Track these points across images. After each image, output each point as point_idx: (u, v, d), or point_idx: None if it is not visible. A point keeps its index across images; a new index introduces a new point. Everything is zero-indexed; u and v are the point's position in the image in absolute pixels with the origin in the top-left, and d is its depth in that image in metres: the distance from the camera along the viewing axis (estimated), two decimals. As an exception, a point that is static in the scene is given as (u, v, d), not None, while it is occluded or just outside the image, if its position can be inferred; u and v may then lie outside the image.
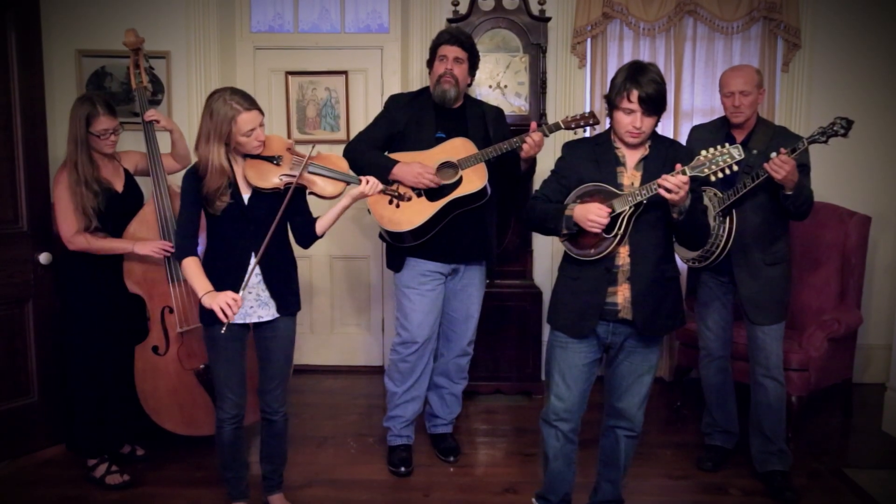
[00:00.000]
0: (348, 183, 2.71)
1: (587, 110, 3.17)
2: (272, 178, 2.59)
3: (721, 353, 3.26)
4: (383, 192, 2.69)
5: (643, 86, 2.32)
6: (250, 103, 2.50)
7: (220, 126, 2.47)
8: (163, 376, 3.17)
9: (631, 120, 2.37)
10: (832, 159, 4.05)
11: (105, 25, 4.15)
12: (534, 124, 3.05)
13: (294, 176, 2.59)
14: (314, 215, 2.72)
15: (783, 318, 3.07)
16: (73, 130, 2.98)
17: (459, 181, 3.06)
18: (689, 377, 3.99)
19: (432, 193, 3.06)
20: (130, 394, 3.15)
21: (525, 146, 3.02)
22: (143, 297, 3.16)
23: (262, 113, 2.54)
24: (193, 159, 2.62)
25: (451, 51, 3.14)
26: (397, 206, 2.86)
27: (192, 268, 2.54)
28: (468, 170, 3.06)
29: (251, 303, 2.61)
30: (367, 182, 2.63)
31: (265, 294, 2.63)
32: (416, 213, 3.05)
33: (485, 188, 3.08)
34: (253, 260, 2.57)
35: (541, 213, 2.51)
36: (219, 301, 2.44)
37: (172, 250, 3.06)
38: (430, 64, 3.23)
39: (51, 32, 3.97)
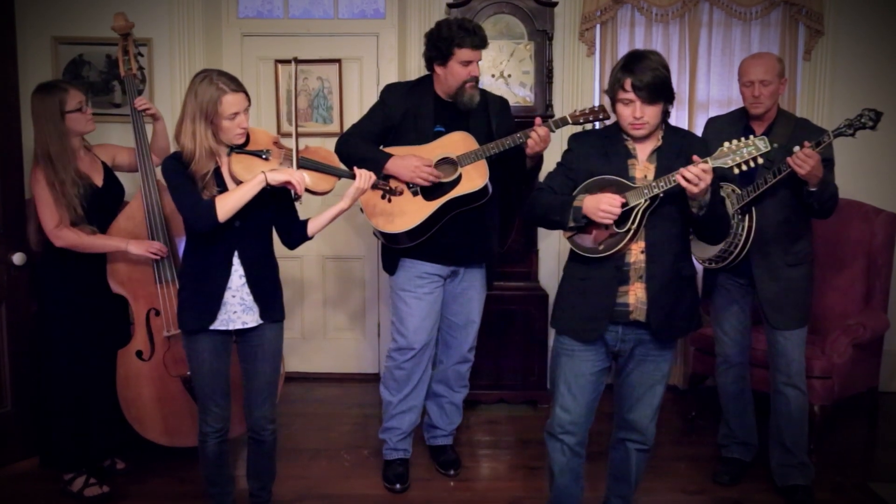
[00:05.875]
0: (339, 177, 2.71)
1: (596, 104, 3.16)
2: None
3: (739, 360, 3.26)
4: (375, 185, 2.69)
5: (637, 73, 2.31)
6: (237, 85, 2.50)
7: (206, 107, 2.45)
8: (147, 383, 3.17)
9: (631, 111, 2.36)
10: (856, 153, 4.04)
11: (83, 11, 4.14)
12: (538, 119, 3.02)
13: None
14: (298, 215, 2.73)
15: (805, 322, 3.07)
16: (43, 122, 2.98)
17: (458, 179, 3.05)
18: (705, 385, 3.98)
19: (429, 192, 3.04)
20: (112, 402, 3.15)
21: (530, 142, 2.98)
22: (128, 298, 3.16)
23: (248, 98, 2.54)
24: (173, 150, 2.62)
25: (477, 55, 3.04)
26: (389, 200, 2.84)
27: (227, 194, 2.48)
28: (468, 167, 3.04)
29: (234, 307, 2.60)
30: (360, 175, 2.63)
31: (249, 298, 2.61)
32: (411, 214, 3.03)
33: (486, 187, 3.06)
34: (236, 259, 2.57)
35: (545, 205, 2.50)
36: (293, 174, 2.49)
37: (166, 253, 3.10)
38: (438, 61, 3.07)
39: (25, 18, 3.96)
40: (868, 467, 3.55)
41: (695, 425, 3.91)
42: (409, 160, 3.02)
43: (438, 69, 3.10)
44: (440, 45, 3.04)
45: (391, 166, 3.03)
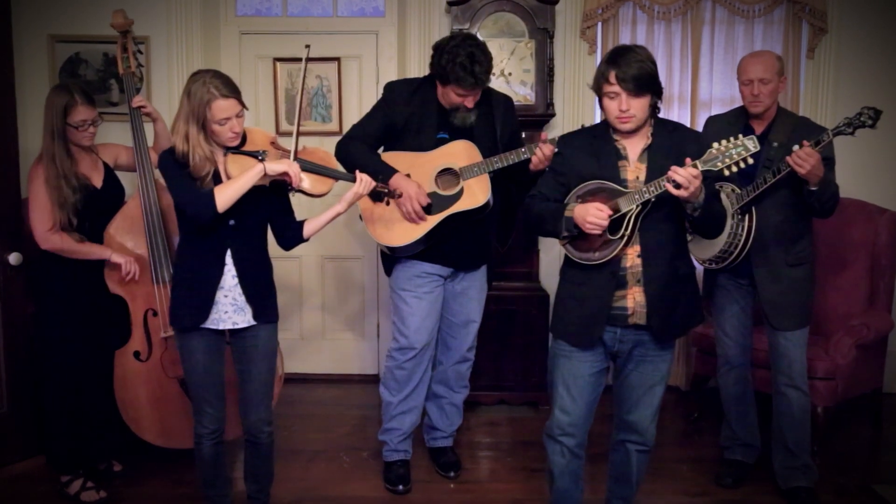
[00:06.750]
0: (337, 179, 2.71)
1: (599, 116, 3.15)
2: None
3: (740, 361, 3.26)
4: (373, 192, 2.69)
5: (622, 66, 2.31)
6: (230, 90, 2.47)
7: (196, 109, 2.45)
8: (144, 384, 3.18)
9: (616, 104, 2.35)
10: (859, 152, 4.05)
11: (80, 9, 4.16)
12: (544, 134, 2.96)
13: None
14: (294, 216, 2.74)
15: (807, 322, 3.08)
16: (50, 121, 2.98)
17: (460, 193, 3.03)
18: (707, 386, 3.99)
19: (429, 204, 3.02)
20: (109, 403, 3.16)
21: (534, 159, 2.92)
22: (125, 298, 3.17)
23: (241, 103, 2.52)
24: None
25: (474, 92, 3.00)
26: (387, 203, 2.84)
27: (226, 184, 2.48)
28: (470, 180, 3.02)
29: (226, 307, 2.60)
30: (361, 180, 2.64)
31: (241, 298, 2.61)
32: (411, 228, 3.03)
33: (487, 202, 3.05)
34: (229, 259, 2.57)
35: (538, 214, 2.50)
36: (291, 165, 2.52)
37: (137, 277, 3.10)
38: (438, 79, 3.03)
39: (21, 16, 3.98)
40: (872, 469, 3.56)
41: (697, 427, 3.92)
42: (410, 186, 2.98)
43: (438, 84, 3.07)
44: (438, 69, 2.99)
45: (394, 184, 2.95)
